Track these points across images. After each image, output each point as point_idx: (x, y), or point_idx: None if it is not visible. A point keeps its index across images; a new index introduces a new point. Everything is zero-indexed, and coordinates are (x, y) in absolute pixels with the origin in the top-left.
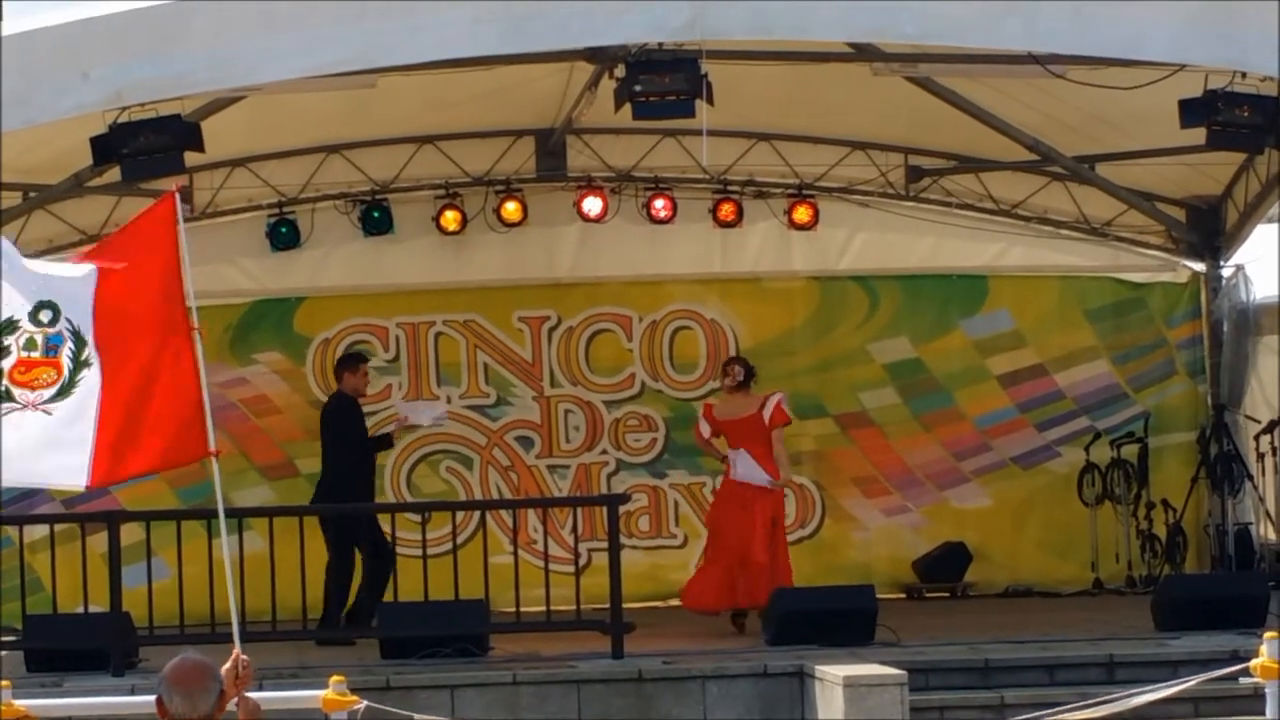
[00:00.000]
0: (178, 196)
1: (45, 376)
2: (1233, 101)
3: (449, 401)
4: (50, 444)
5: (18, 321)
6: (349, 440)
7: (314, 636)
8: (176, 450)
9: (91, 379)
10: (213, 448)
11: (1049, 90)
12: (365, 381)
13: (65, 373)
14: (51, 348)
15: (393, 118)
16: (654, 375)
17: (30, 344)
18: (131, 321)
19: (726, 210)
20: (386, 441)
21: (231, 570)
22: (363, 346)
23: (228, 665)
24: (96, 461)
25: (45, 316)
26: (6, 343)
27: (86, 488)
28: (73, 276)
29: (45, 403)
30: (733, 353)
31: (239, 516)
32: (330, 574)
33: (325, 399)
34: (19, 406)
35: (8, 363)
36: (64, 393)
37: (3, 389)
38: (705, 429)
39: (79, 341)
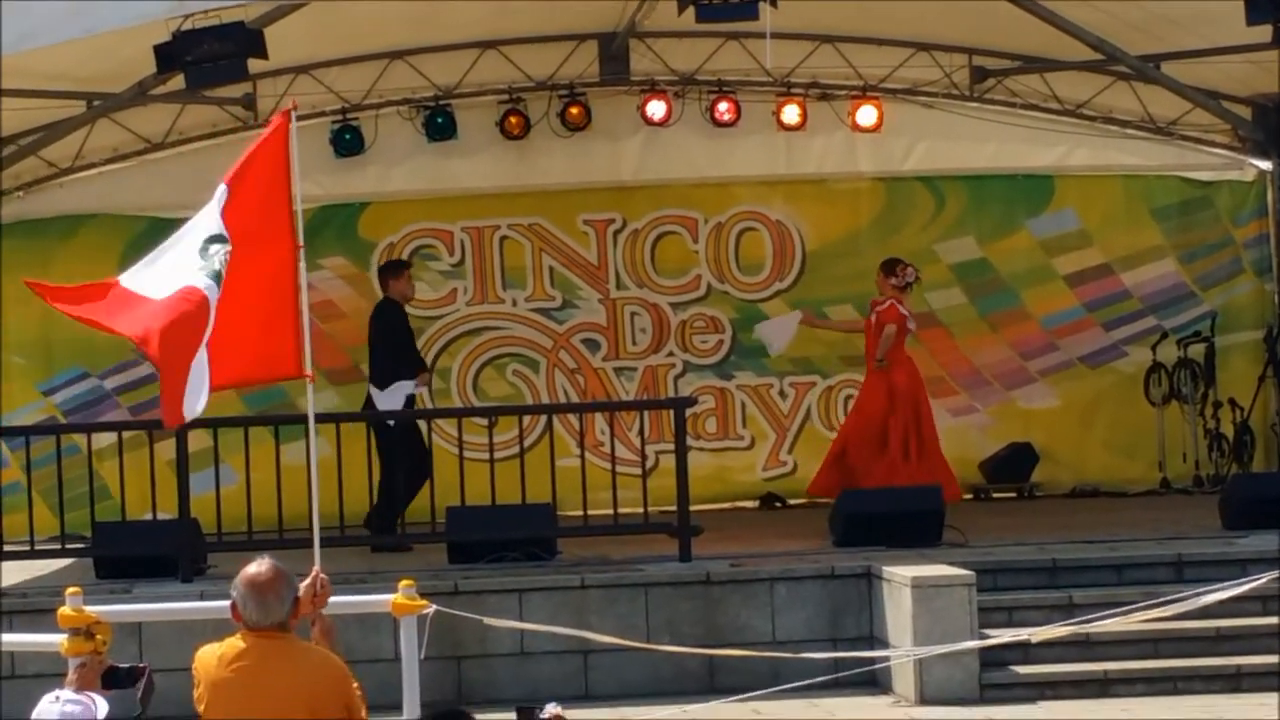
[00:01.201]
0: (292, 115)
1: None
2: None
3: (514, 305)
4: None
5: (206, 249)
6: (391, 345)
7: (376, 542)
8: (273, 365)
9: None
10: (308, 371)
11: None
12: (410, 286)
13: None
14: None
15: (455, 23)
16: (720, 277)
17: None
18: (250, 237)
19: (790, 113)
20: (421, 365)
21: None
22: (429, 250)
23: (306, 582)
24: (213, 368)
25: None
26: (216, 266)
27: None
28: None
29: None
30: (799, 253)
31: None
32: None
33: None
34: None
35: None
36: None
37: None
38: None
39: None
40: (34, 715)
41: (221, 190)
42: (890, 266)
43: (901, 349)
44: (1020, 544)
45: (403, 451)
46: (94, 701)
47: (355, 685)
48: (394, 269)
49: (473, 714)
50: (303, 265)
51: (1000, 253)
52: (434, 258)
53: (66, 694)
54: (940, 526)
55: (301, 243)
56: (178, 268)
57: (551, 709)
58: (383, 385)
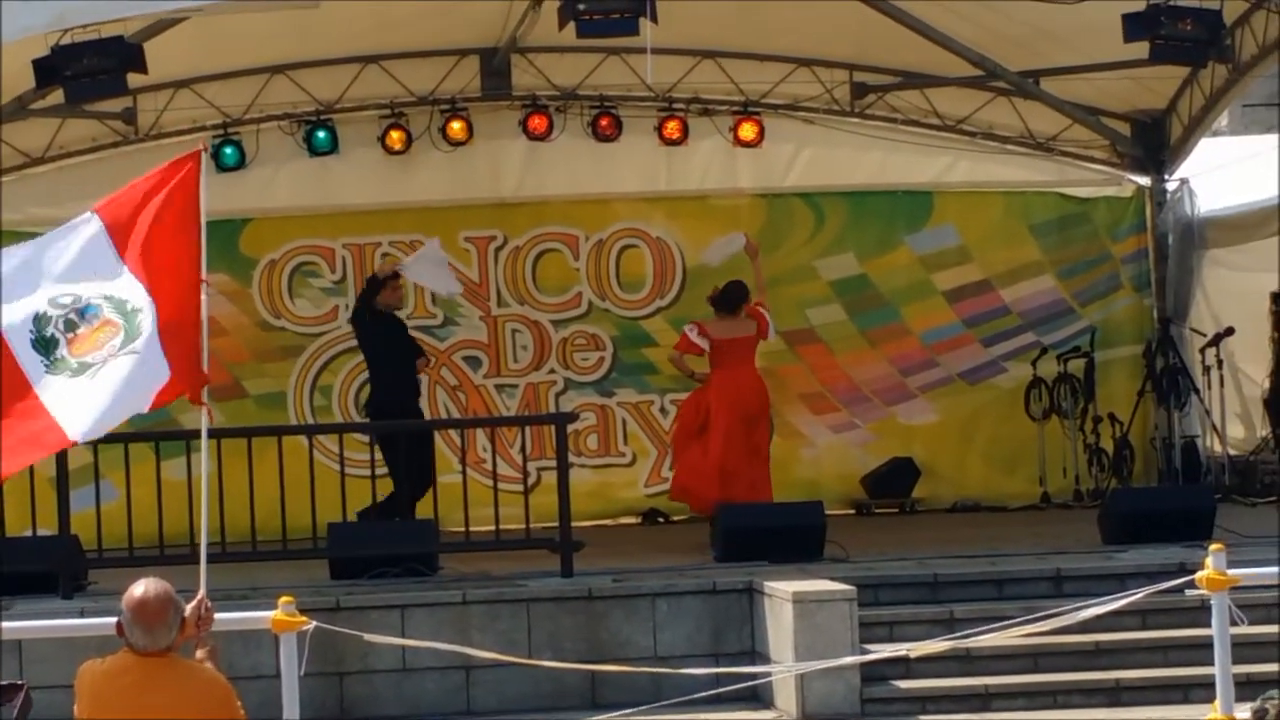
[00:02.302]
0: (205, 154)
1: (106, 333)
2: (1176, 15)
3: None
4: (137, 381)
5: (44, 314)
6: (395, 354)
7: (265, 557)
8: (190, 381)
9: (148, 316)
10: (204, 401)
11: (993, 5)
12: (398, 295)
13: (121, 321)
14: (92, 316)
15: (336, 37)
16: (601, 294)
17: (70, 324)
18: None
19: (672, 128)
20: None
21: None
22: (310, 267)
23: (191, 606)
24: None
25: (65, 299)
26: (48, 333)
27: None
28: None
29: (123, 348)
30: (679, 270)
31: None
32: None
33: (274, 320)
34: (99, 363)
35: (61, 350)
36: (131, 335)
37: (74, 365)
38: (700, 343)
39: (115, 301)
40: None
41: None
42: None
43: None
44: (901, 559)
45: (407, 460)
46: None
47: (239, 705)
48: (381, 283)
49: None
50: (204, 297)
51: (880, 269)
52: (315, 275)
53: None
54: (822, 541)
55: (205, 276)
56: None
57: None
58: (388, 398)
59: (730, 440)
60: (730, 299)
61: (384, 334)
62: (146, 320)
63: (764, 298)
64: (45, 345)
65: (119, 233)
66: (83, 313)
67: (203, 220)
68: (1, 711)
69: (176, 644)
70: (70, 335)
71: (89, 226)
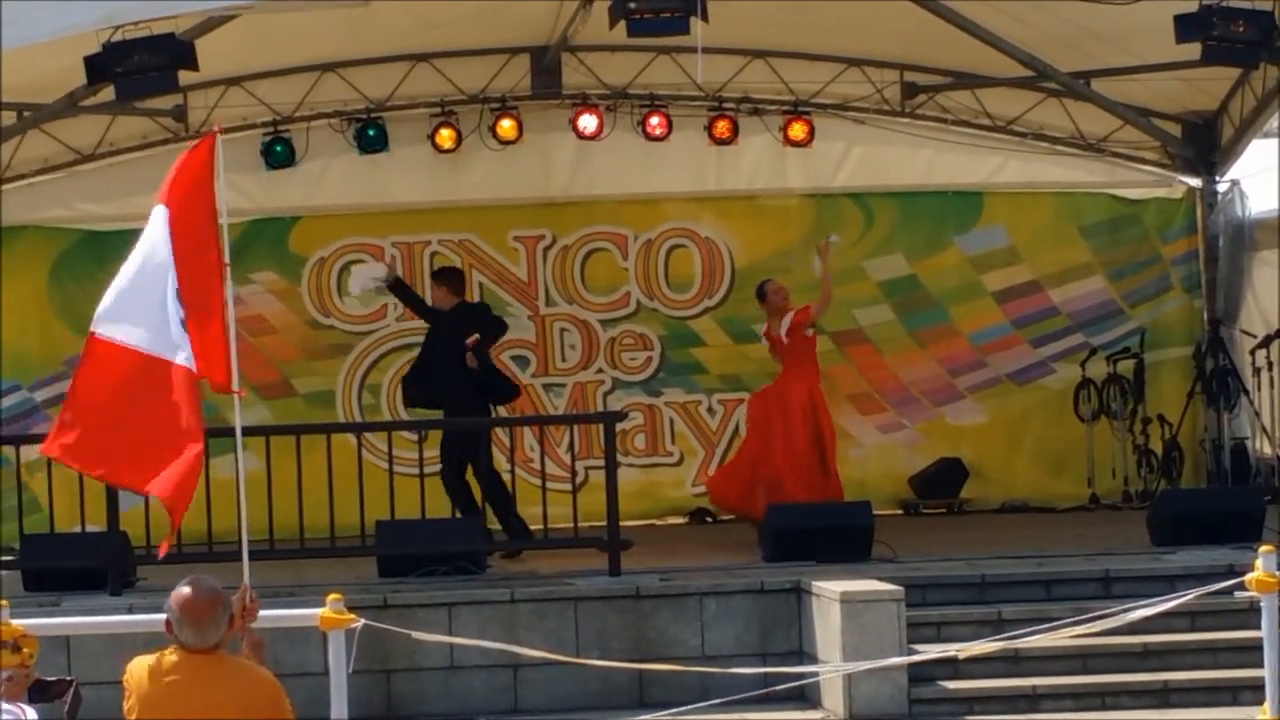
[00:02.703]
0: (218, 139)
1: None
2: (1228, 16)
3: None
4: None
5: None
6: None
7: (312, 555)
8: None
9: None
10: (236, 388)
11: (1044, 6)
12: (441, 293)
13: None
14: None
15: (386, 35)
16: (649, 294)
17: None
18: (183, 256)
19: (722, 127)
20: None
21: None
22: (360, 265)
23: (235, 597)
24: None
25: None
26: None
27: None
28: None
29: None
30: (728, 270)
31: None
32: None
33: (323, 319)
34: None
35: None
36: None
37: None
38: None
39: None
40: None
41: (162, 212)
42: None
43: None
44: (949, 559)
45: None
46: (24, 712)
47: (288, 702)
48: (450, 275)
49: None
50: (229, 282)
51: (929, 269)
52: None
53: None
54: (870, 542)
55: (228, 260)
56: (150, 310)
57: None
58: (451, 396)
59: (770, 443)
60: (757, 295)
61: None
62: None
63: (819, 301)
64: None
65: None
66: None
67: (221, 205)
68: (53, 707)
69: (225, 640)
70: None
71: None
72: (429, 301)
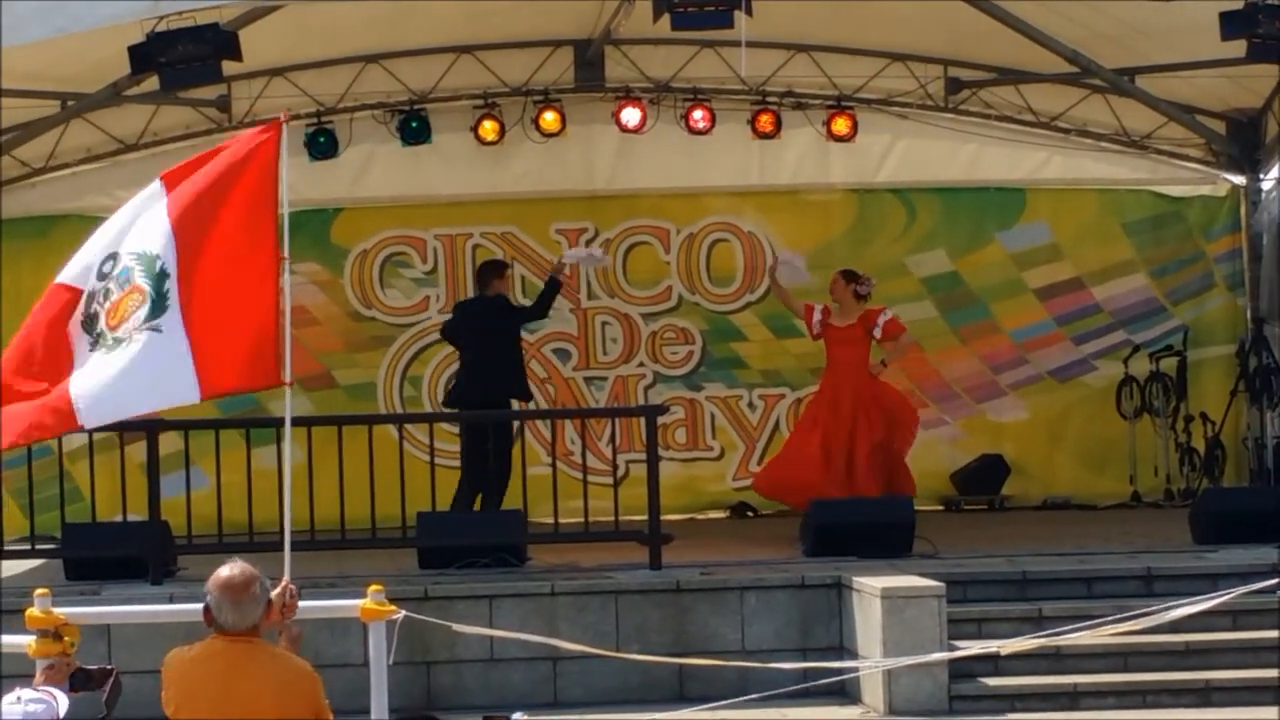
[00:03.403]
0: (285, 126)
1: (132, 301)
2: (1274, 13)
3: None
4: (155, 364)
5: (93, 291)
6: (502, 339)
7: (353, 546)
8: (253, 373)
9: (174, 289)
10: (286, 378)
11: (1089, 2)
12: (508, 286)
13: (149, 287)
14: (124, 280)
15: (430, 27)
16: (691, 288)
17: (107, 294)
18: (216, 239)
19: (765, 121)
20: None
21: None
22: (401, 258)
23: (276, 592)
24: (201, 374)
25: (106, 267)
26: (92, 310)
27: (201, 400)
28: (143, 203)
29: (145, 322)
30: (769, 264)
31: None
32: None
33: (365, 310)
34: (126, 338)
35: (101, 324)
36: (158, 307)
37: (110, 340)
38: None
39: (146, 259)
40: None
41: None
42: (853, 275)
43: (834, 357)
44: (990, 556)
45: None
46: (55, 698)
47: (324, 695)
48: (499, 268)
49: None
50: (287, 275)
51: (971, 266)
52: (407, 265)
53: (27, 693)
54: (911, 538)
55: (286, 254)
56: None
57: (518, 718)
58: (488, 383)
59: (826, 435)
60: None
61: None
62: (173, 295)
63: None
64: (90, 323)
65: (177, 197)
66: (120, 278)
67: (282, 195)
68: (93, 695)
69: (262, 628)
70: (108, 305)
71: (154, 192)
72: (488, 291)
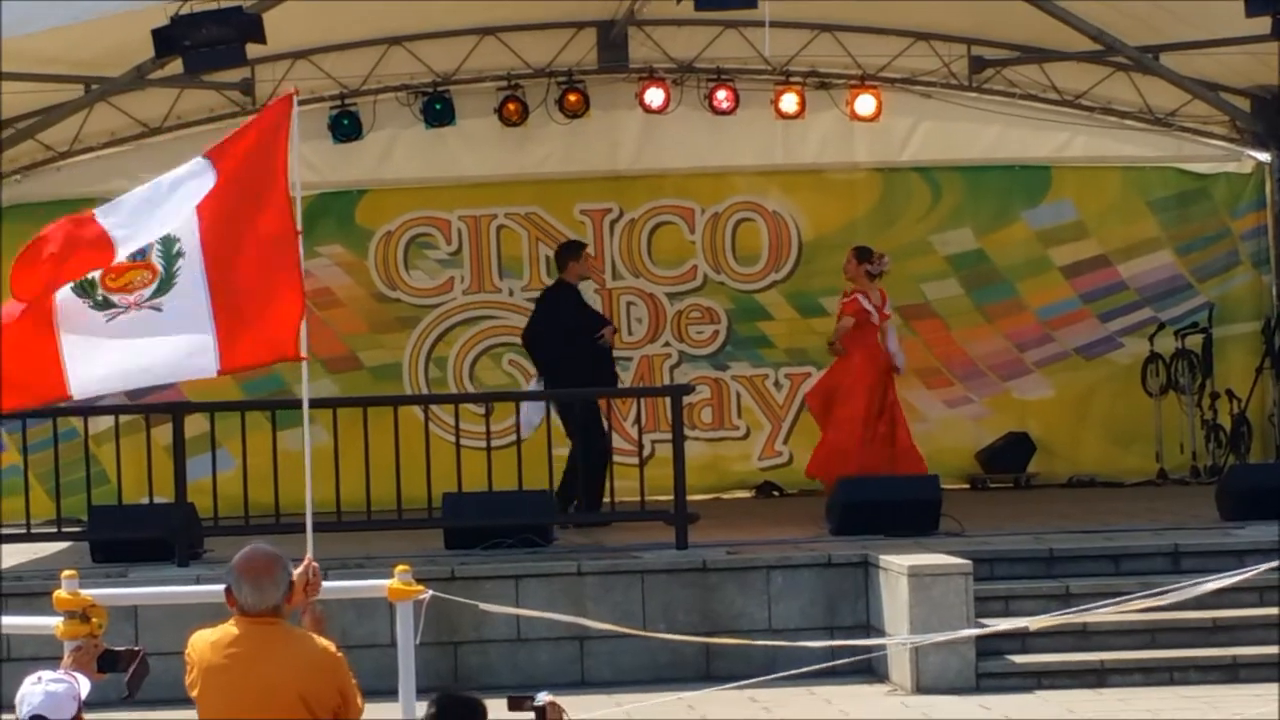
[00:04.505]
0: (295, 99)
1: (140, 278)
2: None
3: (511, 295)
4: (168, 339)
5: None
6: (563, 330)
7: (380, 527)
8: (274, 347)
9: (192, 269)
10: (303, 353)
11: None
12: (587, 267)
13: (160, 269)
14: (138, 252)
15: (453, 9)
16: (716, 267)
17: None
18: (240, 217)
19: (788, 101)
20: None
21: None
22: (426, 239)
23: (299, 570)
24: (222, 348)
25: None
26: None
27: (219, 374)
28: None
29: (149, 300)
30: (795, 244)
31: (323, 407)
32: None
33: (390, 292)
34: (122, 309)
35: (97, 272)
36: (165, 287)
37: (100, 297)
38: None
39: (166, 240)
40: (17, 697)
41: (205, 168)
42: (866, 253)
43: (867, 336)
44: (1017, 533)
45: (583, 436)
46: (76, 679)
47: (350, 674)
48: (575, 250)
49: (483, 702)
50: (300, 249)
51: (996, 244)
52: (431, 246)
53: (48, 674)
54: (937, 516)
55: (300, 228)
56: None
57: (544, 698)
58: (552, 374)
59: (870, 415)
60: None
61: (564, 306)
62: (186, 273)
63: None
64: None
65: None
66: (135, 255)
67: (293, 167)
68: (119, 676)
69: (285, 609)
70: (110, 266)
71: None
72: (570, 275)
